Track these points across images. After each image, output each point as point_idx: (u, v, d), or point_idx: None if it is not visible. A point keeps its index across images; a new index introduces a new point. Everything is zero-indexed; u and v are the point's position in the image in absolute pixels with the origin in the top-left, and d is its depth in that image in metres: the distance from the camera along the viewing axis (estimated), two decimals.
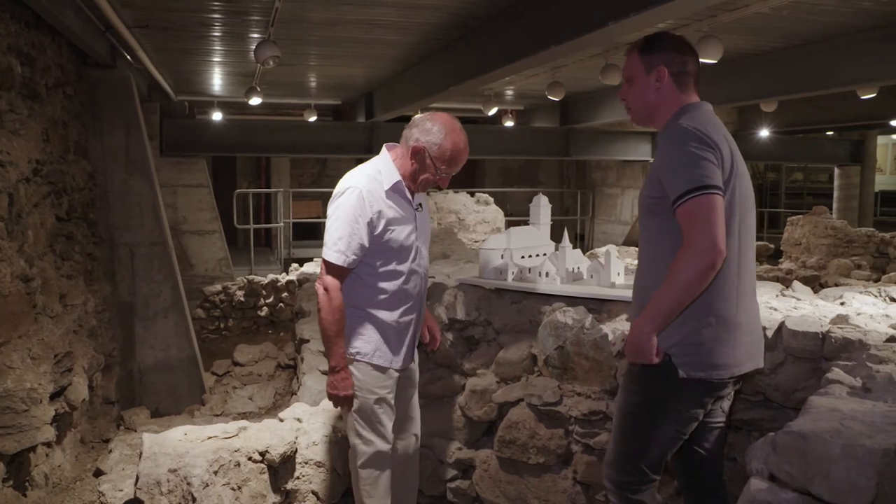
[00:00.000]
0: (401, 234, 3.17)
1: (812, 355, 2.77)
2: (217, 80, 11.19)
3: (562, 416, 3.42)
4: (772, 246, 13.65)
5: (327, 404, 4.03)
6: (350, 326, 3.21)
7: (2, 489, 4.21)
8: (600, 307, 3.63)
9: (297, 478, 3.83)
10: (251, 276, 10.44)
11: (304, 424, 3.94)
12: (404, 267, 3.21)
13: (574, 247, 3.91)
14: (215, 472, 3.59)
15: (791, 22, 6.82)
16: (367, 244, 3.09)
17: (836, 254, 11.81)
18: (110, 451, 5.45)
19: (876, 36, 7.04)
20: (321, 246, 3.19)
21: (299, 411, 4.07)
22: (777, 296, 3.60)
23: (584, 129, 13.84)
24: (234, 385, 7.62)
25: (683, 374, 2.45)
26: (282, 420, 4.02)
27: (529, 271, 3.82)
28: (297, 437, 3.86)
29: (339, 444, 3.86)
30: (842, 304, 3.49)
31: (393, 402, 3.30)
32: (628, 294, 3.50)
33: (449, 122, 3.14)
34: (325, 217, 3.22)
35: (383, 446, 3.26)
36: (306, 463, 3.84)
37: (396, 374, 3.30)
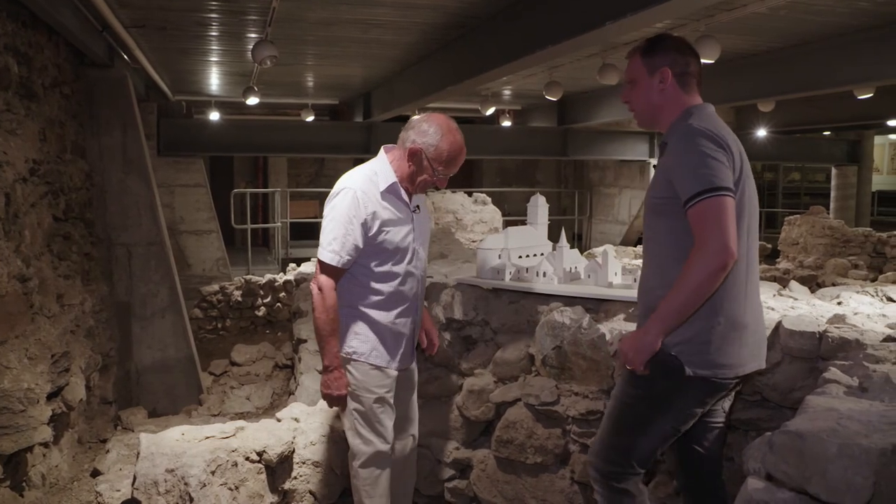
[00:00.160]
0: (396, 235, 3.17)
1: (809, 355, 2.78)
2: (214, 80, 11.18)
3: (559, 415, 3.42)
4: (769, 246, 13.66)
5: (325, 404, 4.02)
6: (347, 326, 3.22)
7: None
8: (598, 307, 3.64)
9: (295, 478, 3.83)
10: (248, 276, 10.43)
11: (302, 424, 3.94)
12: (400, 268, 3.21)
13: (571, 247, 3.92)
14: (213, 472, 3.58)
15: (788, 22, 6.83)
16: (361, 245, 3.10)
17: (834, 253, 11.82)
18: (107, 452, 5.44)
19: (873, 36, 7.05)
20: (318, 246, 3.20)
21: (297, 411, 4.07)
22: (774, 295, 3.61)
23: (582, 128, 13.84)
24: (232, 385, 7.61)
25: (690, 371, 2.45)
26: (279, 420, 4.02)
27: (527, 271, 3.82)
28: (294, 437, 3.86)
29: (336, 444, 3.86)
30: (839, 303, 3.50)
31: (392, 401, 3.30)
32: (626, 294, 3.51)
33: (445, 122, 3.15)
34: (322, 217, 3.22)
35: (383, 446, 3.26)
36: (304, 463, 3.84)
37: (395, 374, 3.30)
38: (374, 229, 3.11)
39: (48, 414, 4.54)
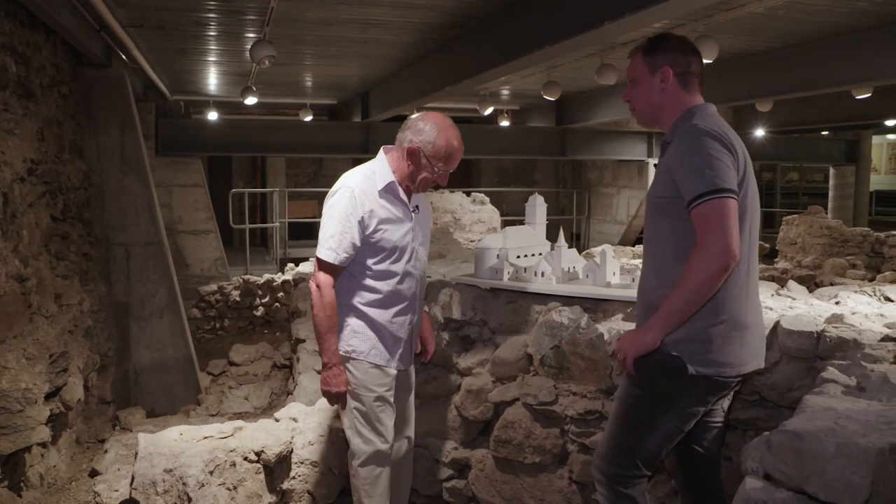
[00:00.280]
0: (394, 234, 3.19)
1: (807, 354, 2.78)
2: (213, 80, 11.17)
3: (557, 415, 3.43)
4: (767, 245, 13.67)
5: (323, 404, 4.03)
6: (346, 325, 3.23)
7: None
8: (596, 307, 3.64)
9: (293, 478, 3.83)
10: (247, 276, 10.42)
11: (300, 424, 3.94)
12: (398, 267, 3.23)
13: (570, 246, 3.92)
14: (211, 472, 3.58)
15: (786, 22, 6.84)
16: (358, 243, 3.12)
17: (832, 253, 11.84)
18: (106, 452, 5.44)
19: (871, 36, 7.06)
20: (316, 246, 3.21)
21: (295, 411, 4.07)
22: (772, 295, 3.61)
23: (580, 128, 13.84)
24: (230, 385, 7.61)
25: (692, 370, 2.45)
26: (277, 420, 4.02)
27: (525, 271, 3.82)
28: (292, 437, 3.86)
29: (334, 444, 3.86)
30: (837, 303, 3.50)
31: (392, 400, 3.31)
32: (624, 294, 3.52)
33: (441, 119, 3.17)
34: (320, 217, 3.24)
35: (382, 445, 3.27)
36: (302, 463, 3.84)
37: (394, 373, 3.31)
38: (372, 227, 3.13)
39: (46, 414, 4.53)
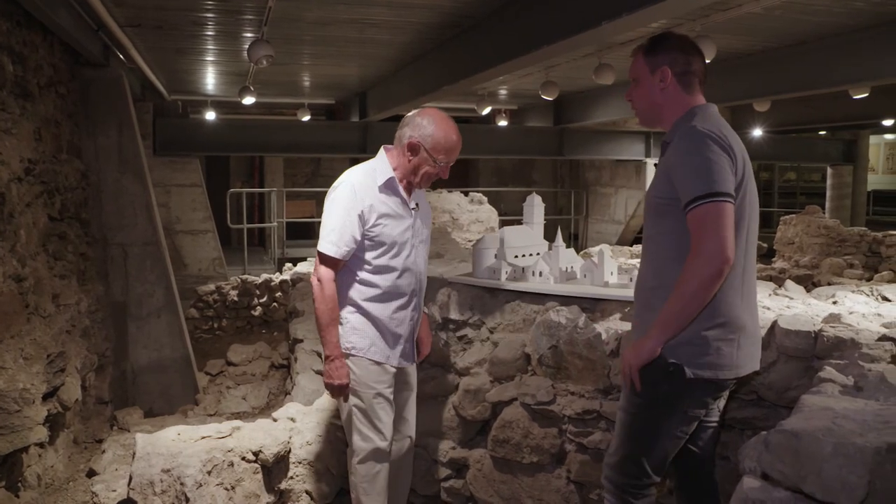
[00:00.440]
0: (393, 229, 3.22)
1: (804, 354, 2.78)
2: (210, 80, 11.16)
3: (555, 415, 3.43)
4: (765, 245, 13.68)
5: (321, 404, 4.03)
6: (345, 322, 3.26)
7: None
8: (594, 306, 3.64)
9: (291, 477, 3.83)
10: (245, 276, 10.41)
11: (298, 424, 3.94)
12: (397, 262, 3.26)
13: (567, 246, 3.92)
14: (209, 472, 3.58)
15: (784, 22, 6.84)
16: (358, 237, 3.17)
17: (829, 253, 11.85)
18: (103, 452, 5.43)
19: (868, 36, 7.07)
20: (315, 246, 3.25)
21: (293, 411, 4.07)
22: (770, 295, 3.61)
23: (578, 128, 13.84)
24: (228, 385, 7.60)
25: (690, 373, 2.46)
26: (275, 420, 4.02)
27: (523, 271, 3.82)
28: (290, 437, 3.86)
29: (332, 443, 3.86)
30: (834, 303, 3.51)
31: (392, 397, 3.33)
32: (622, 293, 3.52)
33: (437, 114, 3.24)
34: (318, 217, 3.27)
35: (381, 443, 3.28)
36: (300, 463, 3.84)
37: (394, 370, 3.33)
38: (371, 221, 3.18)
39: (44, 414, 4.53)
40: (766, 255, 13.63)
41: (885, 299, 3.60)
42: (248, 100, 10.05)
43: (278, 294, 10.12)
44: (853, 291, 3.72)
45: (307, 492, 3.84)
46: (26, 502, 4.53)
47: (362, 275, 3.25)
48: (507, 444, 3.57)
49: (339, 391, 3.25)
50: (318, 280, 3.18)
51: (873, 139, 19.19)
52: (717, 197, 2.34)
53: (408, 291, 3.32)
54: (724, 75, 8.70)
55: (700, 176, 2.37)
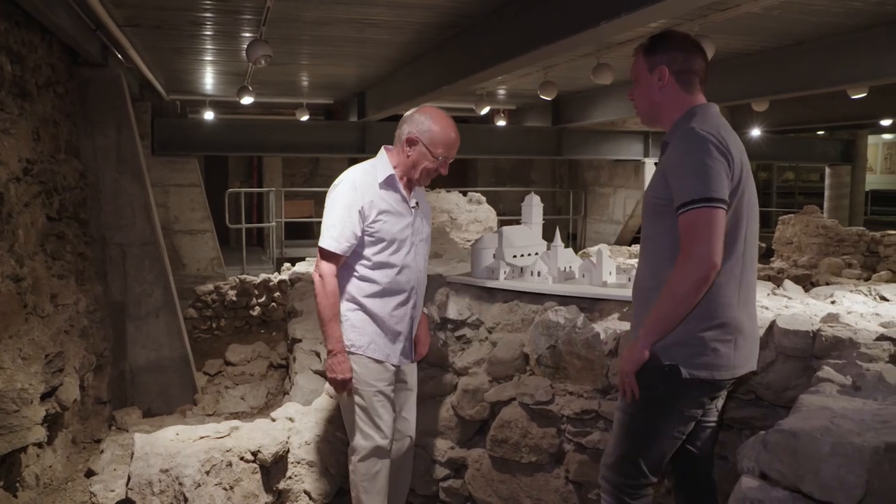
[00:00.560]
0: (393, 226, 3.26)
1: (803, 354, 2.78)
2: (209, 80, 11.15)
3: (554, 415, 3.43)
4: (763, 245, 13.67)
5: (319, 404, 4.03)
6: (345, 319, 3.29)
7: None
8: (592, 306, 3.64)
9: (290, 477, 3.83)
10: (243, 276, 10.40)
11: (297, 424, 3.94)
12: (396, 259, 3.28)
13: (566, 246, 3.92)
14: (207, 472, 3.58)
15: (782, 22, 6.84)
16: (359, 232, 3.21)
17: (827, 253, 11.86)
18: (102, 452, 5.43)
19: (867, 36, 7.07)
20: (313, 245, 3.28)
21: (291, 411, 4.07)
22: (768, 294, 3.61)
23: (577, 128, 13.84)
24: (226, 385, 7.59)
25: (686, 374, 2.46)
26: (274, 420, 4.02)
27: (521, 270, 3.82)
28: (289, 437, 3.86)
29: (331, 443, 3.86)
30: (832, 302, 3.51)
31: (392, 395, 3.34)
32: (620, 293, 3.52)
33: (435, 111, 3.30)
34: (317, 217, 3.31)
35: (382, 441, 3.30)
36: (298, 462, 3.84)
37: (394, 368, 3.35)
38: (371, 217, 3.21)
39: (42, 414, 4.52)
40: (764, 255, 13.64)
41: (884, 299, 3.60)
42: (247, 100, 10.04)
43: (277, 294, 10.12)
44: (851, 291, 3.73)
45: (306, 492, 3.84)
46: (24, 502, 4.53)
47: (362, 271, 3.28)
48: (505, 443, 3.57)
49: (343, 385, 3.27)
50: (320, 276, 3.22)
51: (871, 139, 19.21)
52: (710, 202, 2.33)
53: (407, 289, 3.34)
54: (723, 75, 8.70)
55: (695, 180, 2.36)
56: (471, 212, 13.48)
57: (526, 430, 3.50)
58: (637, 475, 2.62)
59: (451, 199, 13.47)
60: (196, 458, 3.59)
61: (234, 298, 10.07)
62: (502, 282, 3.82)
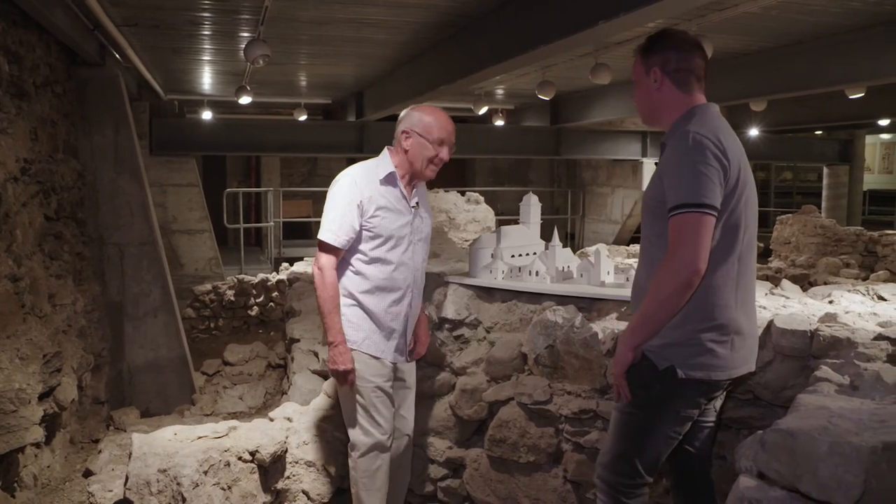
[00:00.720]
0: (392, 222, 3.28)
1: (801, 353, 2.78)
2: (207, 79, 11.15)
3: (552, 414, 3.43)
4: (761, 245, 13.65)
5: (318, 403, 4.03)
6: (341, 315, 3.30)
7: None
8: (590, 306, 3.64)
9: (288, 477, 3.83)
10: (241, 276, 10.40)
11: (295, 424, 3.94)
12: (393, 255, 3.31)
13: (564, 246, 3.93)
14: (205, 472, 3.58)
15: (780, 22, 6.85)
16: (357, 226, 3.24)
17: (825, 252, 11.86)
18: (100, 452, 5.43)
19: (865, 36, 7.08)
20: (312, 245, 3.29)
21: (290, 411, 4.06)
22: (766, 294, 3.62)
23: (575, 128, 13.85)
24: (225, 385, 7.59)
25: (682, 374, 2.46)
26: (272, 419, 4.01)
27: (520, 270, 3.82)
28: (287, 437, 3.86)
29: (329, 443, 3.86)
30: (830, 302, 3.51)
31: (391, 391, 3.35)
32: (618, 293, 3.52)
33: (425, 105, 3.38)
34: (315, 216, 3.33)
35: (381, 437, 3.32)
36: (297, 462, 3.84)
37: (391, 365, 3.36)
38: (370, 212, 3.24)
39: (40, 414, 4.52)
40: (762, 255, 13.64)
41: (881, 298, 3.61)
42: (245, 99, 10.04)
43: (275, 294, 10.12)
44: (849, 291, 3.73)
45: (304, 491, 3.84)
46: (22, 502, 4.52)
47: (359, 266, 3.31)
48: (503, 443, 3.57)
49: (344, 377, 3.28)
50: (319, 269, 3.26)
51: (869, 139, 19.23)
52: (699, 208, 2.33)
53: (403, 286, 3.36)
54: (721, 75, 8.70)
55: (686, 184, 2.36)
56: (469, 211, 13.49)
57: (524, 430, 3.51)
58: (632, 474, 2.62)
59: (450, 199, 13.48)
60: (194, 458, 3.58)
61: (232, 298, 10.07)
62: (500, 281, 3.82)
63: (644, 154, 14.19)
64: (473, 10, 6.22)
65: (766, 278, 8.87)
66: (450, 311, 3.86)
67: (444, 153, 3.31)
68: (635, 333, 2.49)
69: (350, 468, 3.41)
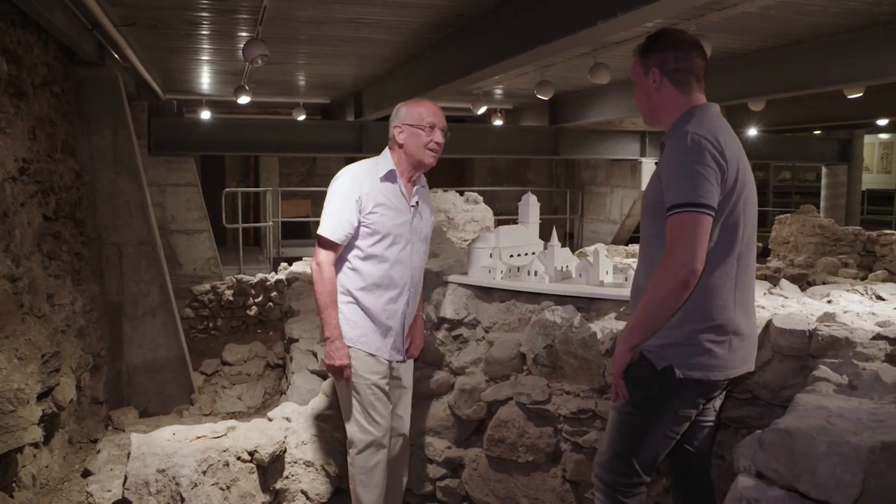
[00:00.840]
0: (390, 219, 3.29)
1: (799, 353, 2.79)
2: (205, 79, 11.14)
3: (550, 414, 3.43)
4: (760, 244, 13.66)
5: (316, 403, 4.03)
6: (339, 312, 3.31)
7: None
8: (589, 306, 3.64)
9: (287, 477, 3.82)
10: (240, 276, 10.40)
11: (294, 424, 3.93)
12: (390, 253, 3.32)
13: (563, 245, 3.93)
14: (204, 472, 3.57)
15: (779, 21, 6.85)
16: (355, 222, 3.26)
17: (824, 252, 11.87)
18: (98, 452, 5.42)
19: (863, 36, 7.08)
20: (310, 245, 3.30)
21: (288, 410, 4.06)
22: (765, 294, 3.62)
23: (573, 128, 13.85)
24: (223, 385, 7.59)
25: (680, 374, 2.46)
26: (271, 419, 4.01)
27: (518, 270, 3.82)
28: (286, 437, 3.85)
29: (328, 443, 3.85)
30: (829, 302, 3.51)
31: (387, 388, 3.36)
32: (617, 292, 3.52)
33: (410, 100, 3.41)
34: (314, 216, 3.34)
35: (378, 433, 3.33)
36: (295, 462, 3.83)
37: (387, 363, 3.36)
38: (369, 209, 3.26)
39: (38, 414, 4.51)
40: (761, 255, 13.64)
41: (880, 298, 3.61)
42: (244, 99, 10.04)
43: (274, 294, 10.11)
44: (848, 290, 3.73)
45: (303, 491, 3.83)
46: (21, 502, 4.52)
47: (356, 262, 3.32)
48: (502, 443, 3.57)
49: (340, 372, 3.29)
50: (318, 264, 3.28)
51: (868, 139, 19.25)
52: (697, 208, 2.33)
53: (400, 284, 3.37)
54: (720, 75, 8.70)
55: (684, 184, 2.36)
56: (468, 211, 13.48)
57: (523, 430, 3.51)
58: (630, 474, 2.62)
59: (448, 199, 13.46)
60: (193, 457, 3.58)
61: (230, 298, 10.06)
62: (499, 281, 3.82)
63: (643, 154, 14.19)
64: (472, 9, 6.22)
65: (765, 278, 8.87)
66: (448, 311, 3.86)
67: (438, 136, 3.32)
68: (633, 333, 2.49)
69: (348, 465, 3.43)
